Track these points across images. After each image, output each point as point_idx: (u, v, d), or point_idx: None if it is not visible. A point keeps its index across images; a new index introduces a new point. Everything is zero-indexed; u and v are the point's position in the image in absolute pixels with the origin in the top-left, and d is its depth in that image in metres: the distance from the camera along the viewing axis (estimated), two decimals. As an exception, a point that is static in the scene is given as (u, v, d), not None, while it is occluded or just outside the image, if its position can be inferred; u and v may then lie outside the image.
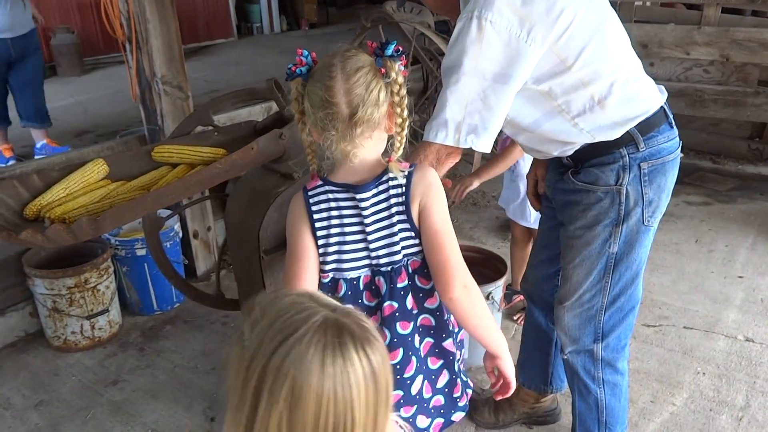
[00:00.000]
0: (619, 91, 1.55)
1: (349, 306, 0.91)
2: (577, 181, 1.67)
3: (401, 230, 1.30)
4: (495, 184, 4.21)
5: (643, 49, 4.34)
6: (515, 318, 2.81)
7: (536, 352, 2.13)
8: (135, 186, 1.62)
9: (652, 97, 1.62)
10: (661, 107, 1.63)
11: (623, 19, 4.89)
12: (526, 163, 2.59)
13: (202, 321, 2.92)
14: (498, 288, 2.47)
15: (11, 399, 2.45)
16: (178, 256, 3.04)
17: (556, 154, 1.69)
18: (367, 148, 1.26)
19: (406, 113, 1.28)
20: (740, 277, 3.13)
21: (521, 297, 2.86)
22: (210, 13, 8.58)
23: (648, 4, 5.05)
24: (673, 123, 1.67)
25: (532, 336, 2.13)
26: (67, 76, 7.02)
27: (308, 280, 1.29)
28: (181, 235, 3.05)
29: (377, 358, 0.78)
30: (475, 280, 2.19)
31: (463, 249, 2.67)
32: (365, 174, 1.30)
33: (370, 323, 0.81)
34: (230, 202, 1.90)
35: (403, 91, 1.26)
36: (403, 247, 1.31)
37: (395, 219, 1.29)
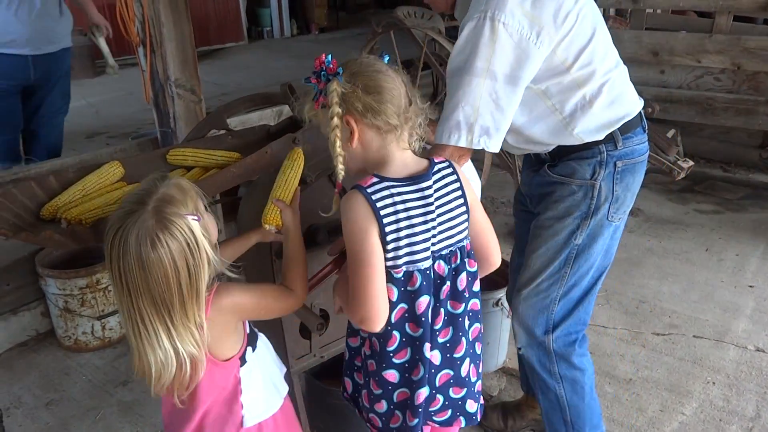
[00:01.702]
0: (607, 92, 1.61)
1: (175, 211, 1.13)
2: (553, 173, 1.73)
3: (460, 214, 1.34)
4: (504, 190, 4.21)
5: (653, 56, 4.33)
6: None
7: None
8: (150, 188, 1.63)
9: (634, 101, 1.71)
10: (639, 111, 1.72)
11: (635, 26, 4.89)
12: None
13: (211, 323, 2.93)
14: (507, 294, 2.47)
15: (22, 398, 2.47)
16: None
17: (539, 150, 1.75)
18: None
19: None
20: (751, 286, 3.12)
21: None
22: (221, 16, 8.64)
23: (659, 11, 5.05)
24: (646, 126, 1.76)
25: None
26: (79, 78, 7.07)
27: (379, 282, 1.26)
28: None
29: (154, 254, 1.09)
30: (485, 286, 2.19)
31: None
32: (414, 167, 1.31)
33: (178, 232, 1.11)
34: (243, 206, 1.91)
35: None
36: (460, 231, 1.35)
37: (454, 204, 1.33)
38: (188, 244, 1.11)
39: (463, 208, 1.34)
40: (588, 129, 1.63)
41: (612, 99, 1.63)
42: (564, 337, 1.84)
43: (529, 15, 1.48)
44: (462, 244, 1.36)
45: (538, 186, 1.80)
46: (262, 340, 1.47)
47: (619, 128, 1.65)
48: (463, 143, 1.53)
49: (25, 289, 2.78)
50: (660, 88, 4.38)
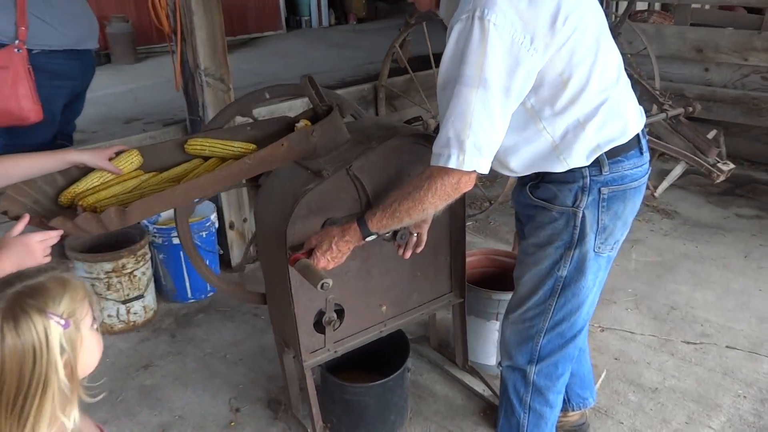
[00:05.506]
0: (603, 113, 1.46)
1: (36, 306, 0.92)
2: (534, 196, 1.61)
3: None
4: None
5: (698, 53, 4.17)
6: None
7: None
8: (166, 178, 1.63)
9: (632, 121, 1.54)
10: (637, 133, 1.55)
11: (679, 21, 4.72)
12: None
13: (233, 311, 2.95)
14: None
15: (47, 377, 2.53)
16: (214, 246, 3.08)
17: (512, 175, 1.64)
18: None
19: None
20: (790, 296, 2.98)
21: None
22: (260, 5, 8.68)
23: (707, 7, 4.86)
24: (645, 149, 1.59)
25: None
26: (120, 63, 7.21)
27: None
28: (217, 225, 3.09)
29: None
30: (496, 286, 2.12)
31: (500, 254, 2.60)
32: None
33: (27, 330, 0.89)
34: (260, 197, 1.91)
35: None
36: None
37: None
38: (33, 350, 0.90)
39: None
40: (578, 155, 1.49)
41: (605, 120, 1.47)
42: (548, 372, 1.77)
43: (523, 16, 1.31)
44: None
45: (522, 207, 1.70)
46: None
47: (606, 152, 1.50)
48: (453, 164, 1.37)
49: (55, 270, 2.83)
50: (703, 87, 4.21)
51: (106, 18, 6.78)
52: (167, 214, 2.85)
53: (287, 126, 1.85)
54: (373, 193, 1.83)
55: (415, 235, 1.82)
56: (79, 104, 3.29)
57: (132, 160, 1.63)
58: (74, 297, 0.96)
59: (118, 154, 1.63)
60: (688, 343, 2.67)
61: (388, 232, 1.72)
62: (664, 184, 3.45)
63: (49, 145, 3.02)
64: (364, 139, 1.83)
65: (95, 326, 1.01)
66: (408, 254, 1.78)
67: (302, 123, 1.79)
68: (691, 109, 3.44)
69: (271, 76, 6.74)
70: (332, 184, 1.75)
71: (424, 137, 1.86)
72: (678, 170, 3.46)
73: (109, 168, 1.57)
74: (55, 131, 3.07)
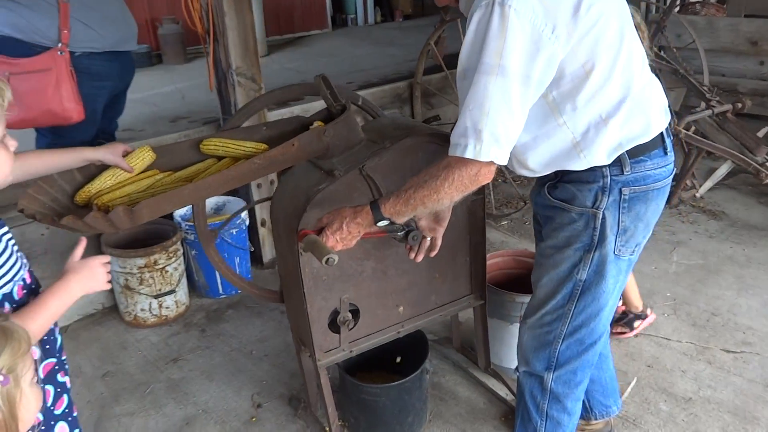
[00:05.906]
0: (626, 109, 1.41)
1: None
2: (552, 197, 1.56)
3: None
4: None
5: (752, 46, 3.95)
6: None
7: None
8: (179, 177, 1.66)
9: (655, 120, 1.48)
10: (661, 132, 1.49)
11: (732, 13, 4.53)
12: None
13: (261, 308, 2.99)
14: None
15: (83, 368, 2.63)
16: (245, 243, 3.13)
17: (530, 176, 1.58)
18: None
19: None
20: None
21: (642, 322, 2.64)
22: (307, 4, 8.77)
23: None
24: (670, 149, 1.52)
25: None
26: (171, 63, 7.41)
27: None
28: (248, 222, 3.13)
29: None
30: (517, 288, 2.06)
31: (526, 255, 2.53)
32: None
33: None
34: (276, 196, 1.92)
35: None
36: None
37: None
38: None
39: None
40: (599, 152, 1.44)
41: (628, 116, 1.42)
42: (566, 379, 1.72)
43: (545, 2, 1.28)
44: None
45: (541, 207, 1.65)
46: None
47: (628, 150, 1.44)
48: (470, 153, 1.33)
49: (93, 265, 2.94)
50: (758, 81, 4.00)
51: (158, 20, 6.99)
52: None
53: (302, 126, 1.85)
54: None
55: (429, 239, 1.79)
56: (120, 104, 3.40)
57: (144, 157, 1.66)
58: (16, 350, 0.88)
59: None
60: (728, 351, 2.54)
61: (402, 230, 1.70)
62: (707, 184, 3.28)
63: (91, 143, 3.14)
64: (378, 138, 1.81)
65: (35, 380, 0.96)
66: (420, 257, 1.75)
67: (317, 123, 1.79)
68: (740, 105, 3.27)
69: (315, 74, 6.80)
70: (345, 184, 1.75)
71: (439, 136, 1.83)
72: (723, 170, 3.29)
73: (122, 165, 1.61)
74: (97, 129, 3.18)
